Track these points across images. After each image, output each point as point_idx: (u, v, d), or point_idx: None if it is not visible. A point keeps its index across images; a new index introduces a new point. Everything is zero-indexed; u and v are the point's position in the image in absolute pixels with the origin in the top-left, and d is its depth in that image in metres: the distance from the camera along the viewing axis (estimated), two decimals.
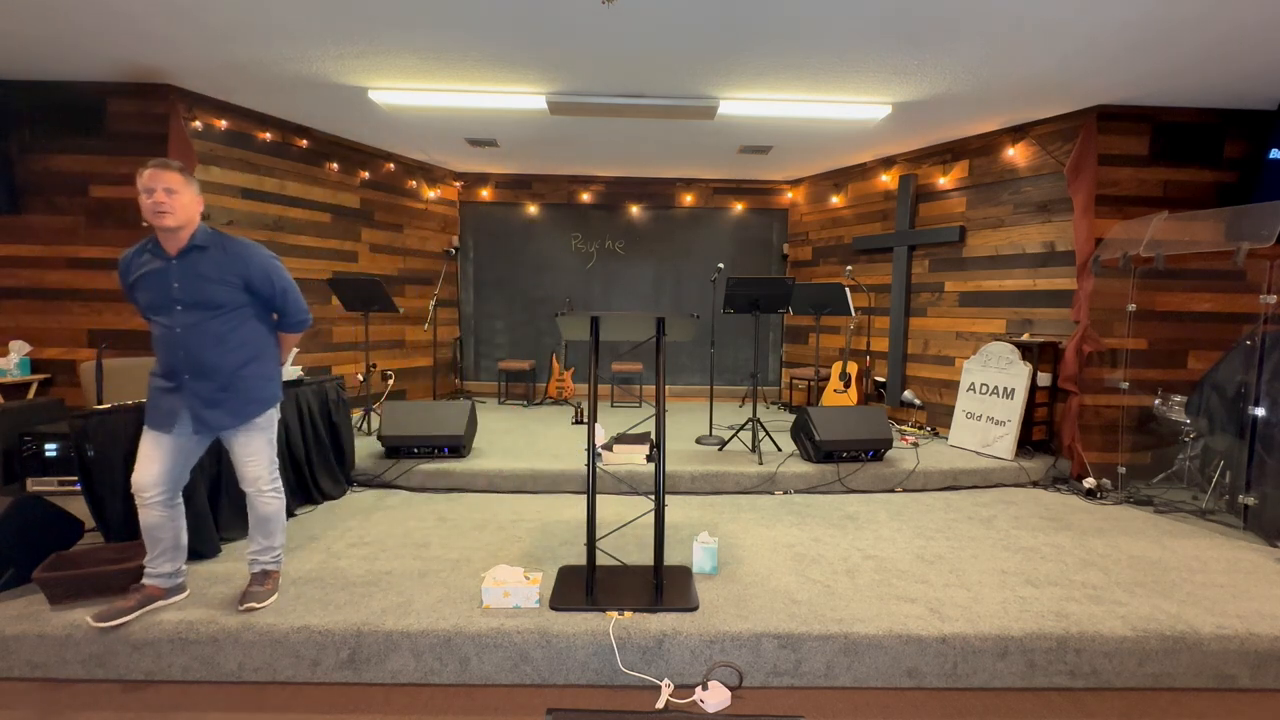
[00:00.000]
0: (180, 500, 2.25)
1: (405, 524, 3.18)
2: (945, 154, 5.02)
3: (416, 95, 4.09)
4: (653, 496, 2.39)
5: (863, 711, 2.03)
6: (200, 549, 2.63)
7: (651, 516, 2.39)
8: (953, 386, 4.92)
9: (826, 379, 5.49)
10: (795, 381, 6.20)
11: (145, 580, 2.23)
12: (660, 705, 2.01)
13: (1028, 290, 4.50)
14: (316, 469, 3.51)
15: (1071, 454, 4.14)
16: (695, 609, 2.27)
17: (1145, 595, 2.48)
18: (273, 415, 2.33)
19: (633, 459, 3.94)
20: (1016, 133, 4.50)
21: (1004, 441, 4.20)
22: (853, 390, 5.25)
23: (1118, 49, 3.22)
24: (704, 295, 6.74)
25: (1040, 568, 2.74)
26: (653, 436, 2.51)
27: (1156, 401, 3.99)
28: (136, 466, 2.15)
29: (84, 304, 4.06)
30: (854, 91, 3.94)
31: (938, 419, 5.12)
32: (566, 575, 2.52)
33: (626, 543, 2.93)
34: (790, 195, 6.71)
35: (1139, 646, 2.16)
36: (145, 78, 3.89)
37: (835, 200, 6.12)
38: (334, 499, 3.56)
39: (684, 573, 2.55)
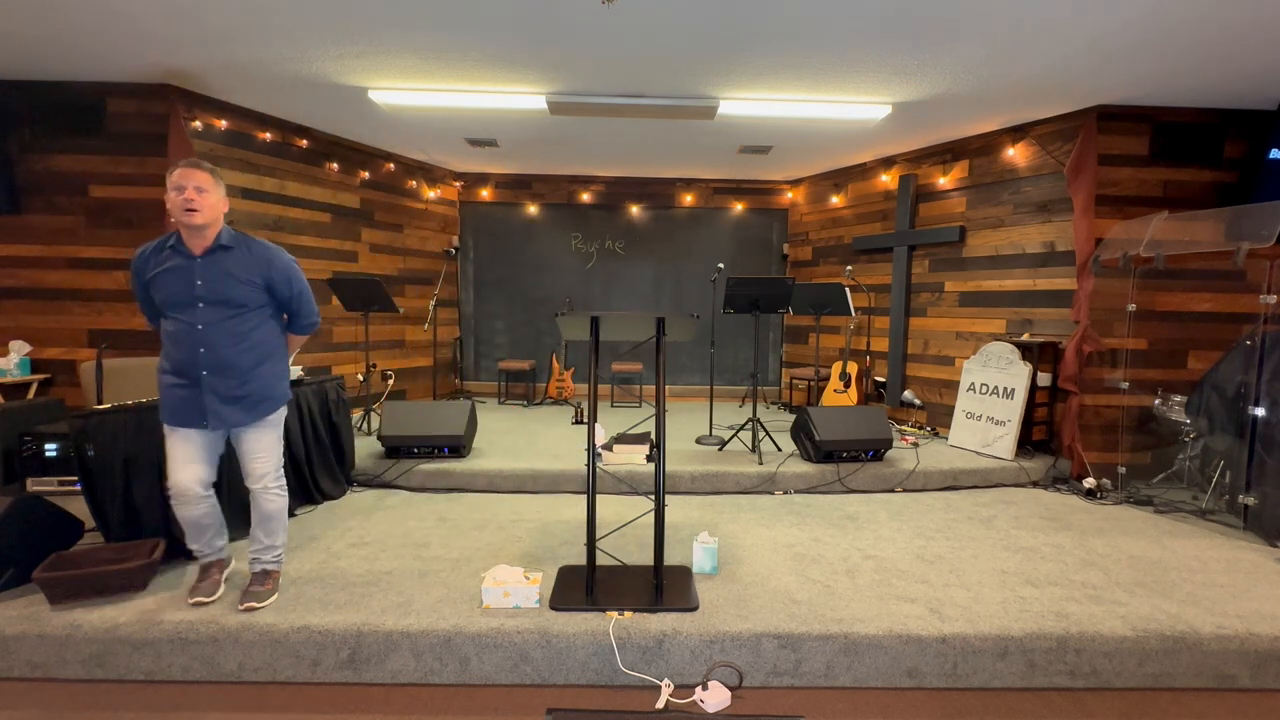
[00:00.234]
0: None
1: (405, 524, 3.18)
2: (945, 154, 5.02)
3: (416, 95, 4.09)
4: (653, 496, 2.39)
5: (863, 711, 2.03)
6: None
7: (651, 516, 2.40)
8: (953, 386, 4.92)
9: (826, 379, 5.49)
10: (795, 381, 6.20)
11: (206, 560, 2.38)
12: (660, 705, 2.01)
13: (1028, 290, 4.50)
14: (316, 469, 3.51)
15: (1071, 454, 4.14)
16: (695, 609, 2.27)
17: (1145, 595, 2.48)
18: (283, 413, 2.39)
19: (633, 459, 3.94)
20: (1016, 133, 4.50)
21: (1004, 441, 4.20)
22: (853, 390, 5.25)
23: (1117, 49, 3.22)
24: (704, 295, 6.75)
25: (1040, 568, 2.74)
26: (653, 436, 2.51)
27: (1156, 401, 3.99)
28: (172, 469, 2.22)
29: (84, 304, 4.06)
30: (854, 91, 3.94)
31: (938, 419, 5.12)
32: (566, 575, 2.52)
33: (626, 543, 2.93)
34: (790, 195, 6.71)
35: (1139, 646, 2.16)
36: (145, 78, 3.89)
37: (835, 200, 6.12)
38: (334, 499, 3.56)
39: (684, 573, 2.55)
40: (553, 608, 2.26)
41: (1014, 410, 4.17)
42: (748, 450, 4.27)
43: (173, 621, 2.14)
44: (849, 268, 5.63)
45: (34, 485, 3.39)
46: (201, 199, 2.07)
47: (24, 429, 3.42)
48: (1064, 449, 4.18)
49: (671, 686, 2.09)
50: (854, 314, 4.92)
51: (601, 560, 2.66)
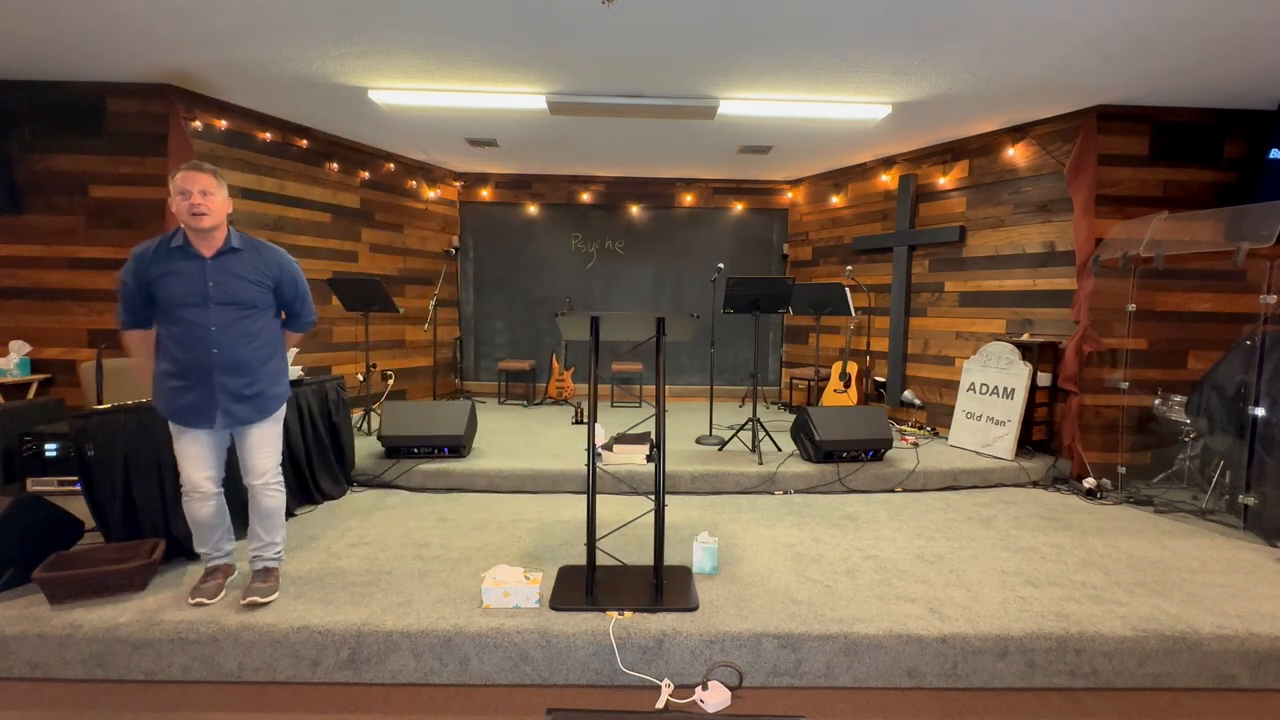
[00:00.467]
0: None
1: (405, 524, 3.18)
2: (945, 154, 5.02)
3: (416, 95, 4.09)
4: (653, 496, 2.39)
5: (863, 711, 2.03)
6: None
7: (651, 516, 2.39)
8: (953, 386, 4.92)
9: (826, 379, 5.49)
10: (795, 381, 6.20)
11: (213, 563, 2.40)
12: (660, 705, 2.01)
13: (1028, 290, 4.50)
14: (316, 469, 3.51)
15: (1071, 454, 4.14)
16: (695, 609, 2.27)
17: (1145, 595, 2.48)
18: (284, 409, 2.42)
19: (633, 459, 3.94)
20: (1016, 133, 4.50)
21: (1004, 441, 4.20)
22: (853, 390, 5.25)
23: (1117, 49, 3.22)
24: (704, 295, 6.75)
25: (1040, 568, 2.74)
26: (653, 436, 2.51)
27: (1156, 401, 3.99)
28: (184, 469, 2.25)
29: (84, 304, 4.06)
30: (854, 91, 3.94)
31: (938, 419, 5.12)
32: (566, 575, 2.52)
33: (626, 543, 2.93)
34: (790, 195, 6.71)
35: (1139, 646, 2.16)
36: (145, 78, 3.89)
37: (835, 200, 6.12)
38: (334, 499, 3.56)
39: (684, 573, 2.55)
40: (553, 608, 2.26)
41: (1014, 410, 4.17)
42: (748, 450, 4.27)
43: (173, 621, 2.14)
44: (849, 268, 5.63)
45: (34, 485, 3.39)
46: (208, 202, 2.09)
47: (24, 429, 3.42)
48: (1064, 449, 4.18)
49: (671, 686, 2.09)
50: (854, 314, 4.92)
51: (601, 560, 2.66)
